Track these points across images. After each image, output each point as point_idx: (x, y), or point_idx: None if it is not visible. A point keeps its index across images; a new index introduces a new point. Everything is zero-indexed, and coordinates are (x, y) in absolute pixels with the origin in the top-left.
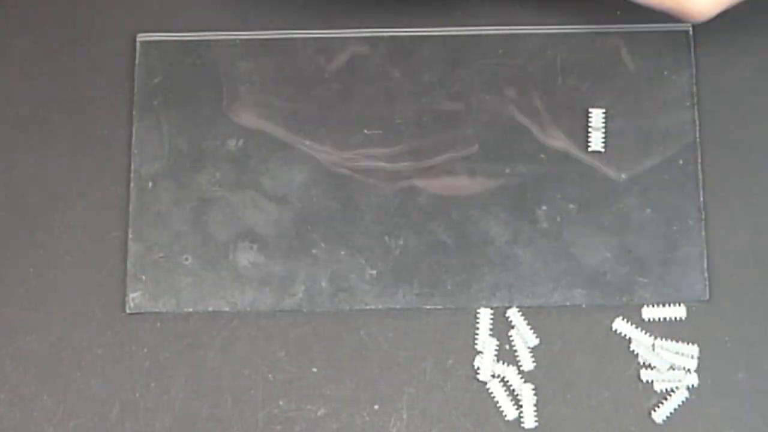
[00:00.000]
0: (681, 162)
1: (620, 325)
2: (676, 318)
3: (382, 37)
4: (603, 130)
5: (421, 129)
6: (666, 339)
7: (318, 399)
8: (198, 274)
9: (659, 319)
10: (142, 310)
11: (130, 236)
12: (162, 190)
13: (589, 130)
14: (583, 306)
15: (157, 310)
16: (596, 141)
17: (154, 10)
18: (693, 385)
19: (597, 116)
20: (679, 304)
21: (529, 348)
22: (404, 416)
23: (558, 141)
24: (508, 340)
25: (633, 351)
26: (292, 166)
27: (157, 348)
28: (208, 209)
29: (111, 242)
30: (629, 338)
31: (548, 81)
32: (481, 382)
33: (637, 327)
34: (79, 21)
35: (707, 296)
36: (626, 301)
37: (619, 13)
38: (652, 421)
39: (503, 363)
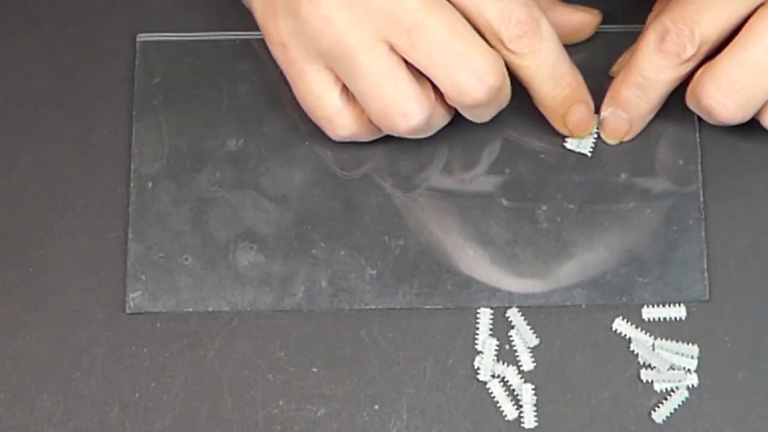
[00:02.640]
0: (681, 162)
1: (620, 325)
2: (676, 318)
3: None
4: (595, 137)
5: None
6: (666, 339)
7: (318, 399)
8: (198, 274)
9: (659, 319)
10: (142, 310)
11: (130, 236)
12: (162, 190)
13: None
14: (583, 306)
15: (157, 310)
16: (585, 145)
17: (154, 10)
18: (693, 385)
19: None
20: (679, 304)
21: (529, 348)
22: (404, 416)
23: (558, 140)
24: (508, 340)
25: (633, 351)
26: (292, 166)
27: (157, 348)
28: (208, 209)
29: (111, 242)
30: (629, 338)
31: None
32: (481, 382)
33: (637, 327)
34: (79, 21)
35: (707, 296)
36: (626, 301)
37: (619, 13)
38: (652, 421)
39: (503, 363)
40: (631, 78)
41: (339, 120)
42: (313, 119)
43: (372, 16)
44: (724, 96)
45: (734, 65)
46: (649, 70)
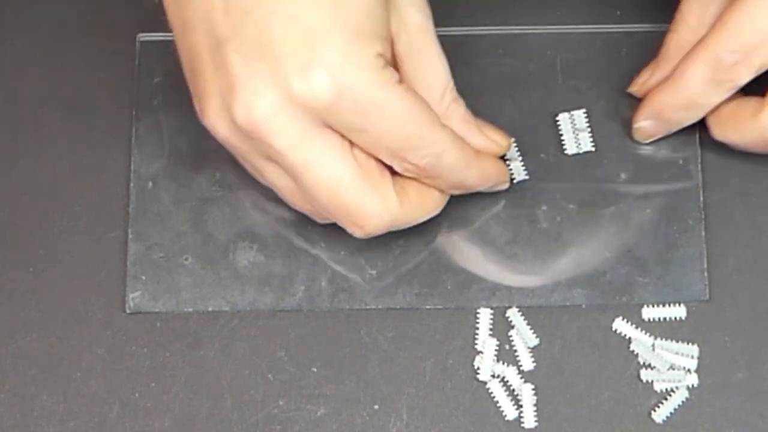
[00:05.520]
0: (681, 162)
1: (620, 325)
2: (676, 318)
3: None
4: (589, 130)
5: None
6: (666, 339)
7: (318, 399)
8: (198, 274)
9: (659, 319)
10: (142, 310)
11: (130, 236)
12: (162, 190)
13: (576, 131)
14: (583, 306)
15: (157, 310)
16: (585, 142)
17: (154, 10)
18: (693, 385)
19: (580, 118)
20: (679, 304)
21: (529, 348)
22: (404, 416)
23: (557, 140)
24: (508, 340)
25: (633, 351)
26: None
27: (157, 348)
28: (208, 209)
29: (111, 242)
30: (629, 338)
31: (548, 81)
32: (481, 382)
33: (637, 327)
34: (79, 21)
35: (707, 296)
36: (626, 301)
37: (619, 13)
38: (652, 421)
39: (503, 363)
40: (679, 101)
41: None
42: None
43: None
44: None
45: None
46: (700, 97)
